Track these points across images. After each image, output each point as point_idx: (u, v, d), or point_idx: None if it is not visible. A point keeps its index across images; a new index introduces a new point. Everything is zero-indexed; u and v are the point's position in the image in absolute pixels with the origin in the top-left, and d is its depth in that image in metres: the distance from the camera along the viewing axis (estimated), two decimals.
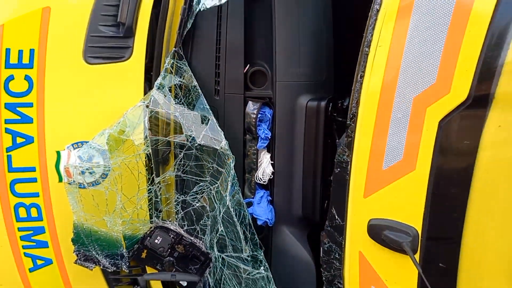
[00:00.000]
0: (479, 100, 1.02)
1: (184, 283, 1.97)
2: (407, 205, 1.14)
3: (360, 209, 1.24)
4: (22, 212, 1.89)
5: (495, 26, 0.99)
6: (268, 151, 1.90)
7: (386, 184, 1.17)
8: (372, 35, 1.18)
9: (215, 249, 1.88)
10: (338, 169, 1.30)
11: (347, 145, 1.27)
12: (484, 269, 1.11)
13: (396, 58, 1.13)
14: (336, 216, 1.32)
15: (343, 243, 1.32)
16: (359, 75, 1.22)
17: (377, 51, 1.16)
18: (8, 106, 1.79)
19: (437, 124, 1.07)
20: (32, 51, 1.77)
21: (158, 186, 1.88)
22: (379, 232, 1.18)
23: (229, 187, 1.82)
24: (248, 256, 1.82)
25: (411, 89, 1.11)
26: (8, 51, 1.79)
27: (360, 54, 1.24)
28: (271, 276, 1.80)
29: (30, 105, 1.80)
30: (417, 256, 1.14)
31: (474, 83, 1.01)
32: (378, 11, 1.17)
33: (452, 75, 1.03)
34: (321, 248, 1.45)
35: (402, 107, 1.12)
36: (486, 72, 1.00)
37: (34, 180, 1.85)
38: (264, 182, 1.91)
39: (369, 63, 1.19)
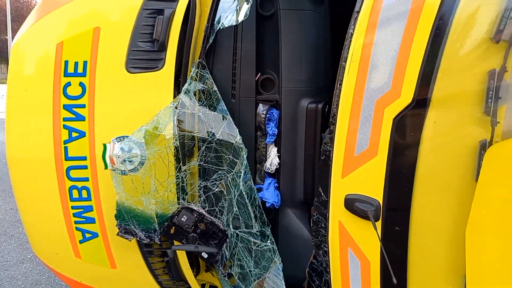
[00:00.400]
0: (420, 102, 1.33)
1: (205, 255, 2.32)
2: (372, 182, 1.46)
3: (339, 187, 1.57)
4: (75, 193, 2.21)
5: (431, 45, 1.31)
6: (275, 145, 2.21)
7: (357, 167, 1.50)
8: (347, 53, 1.52)
9: (231, 226, 2.21)
10: (323, 157, 1.64)
11: (329, 138, 1.61)
12: (429, 230, 1.42)
13: (364, 70, 1.45)
14: (322, 194, 1.65)
15: (327, 214, 1.65)
16: (338, 83, 1.56)
17: (351, 65, 1.49)
18: (66, 107, 2.14)
19: (392, 120, 1.39)
20: (85, 63, 2.11)
21: (184, 173, 2.20)
22: (352, 204, 1.51)
23: (242, 175, 2.15)
24: (257, 232, 2.14)
25: (374, 94, 1.43)
26: (66, 62, 2.15)
27: (339, 68, 1.57)
28: (276, 248, 2.13)
29: (83, 106, 2.13)
30: (380, 222, 1.47)
31: (416, 90, 1.32)
32: (352, 34, 1.51)
33: (402, 83, 1.35)
34: (311, 219, 1.78)
35: (367, 108, 1.45)
36: (425, 81, 1.32)
37: (85, 167, 2.17)
38: (271, 171, 2.23)
39: (345, 74, 1.51)
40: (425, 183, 1.39)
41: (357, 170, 1.49)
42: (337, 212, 1.58)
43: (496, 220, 1.27)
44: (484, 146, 1.28)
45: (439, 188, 1.39)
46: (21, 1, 43.54)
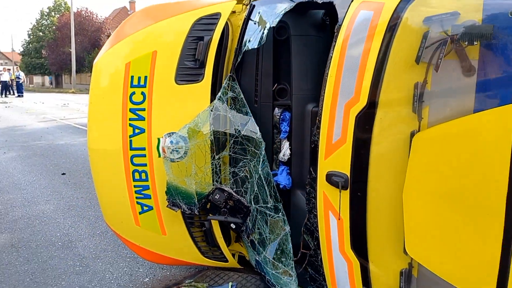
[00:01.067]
0: (371, 105, 1.89)
1: (233, 226, 2.93)
2: (343, 162, 2.01)
3: (322, 166, 2.14)
4: (136, 175, 2.84)
5: (378, 65, 1.86)
6: (288, 140, 2.79)
7: (334, 151, 2.06)
8: (328, 70, 2.12)
9: (252, 203, 2.81)
10: (313, 145, 2.23)
11: (317, 131, 2.19)
12: (379, 195, 1.95)
13: (338, 83, 2.02)
14: (312, 172, 2.23)
15: (315, 187, 2.23)
16: (323, 92, 2.15)
17: (329, 79, 2.06)
18: (131, 110, 2.77)
19: (355, 118, 1.95)
20: (146, 77, 2.74)
21: (217, 161, 2.80)
22: (330, 178, 2.08)
23: (261, 162, 2.77)
24: (272, 206, 2.74)
25: (343, 100, 1.99)
26: (132, 77, 2.80)
27: (323, 81, 2.17)
28: (286, 219, 2.71)
29: (143, 109, 2.76)
30: (348, 191, 2.04)
31: (369, 96, 1.89)
32: (331, 57, 2.11)
33: (360, 91, 1.91)
34: (306, 191, 2.37)
35: (340, 109, 2.01)
36: (374, 90, 1.88)
37: (144, 155, 2.78)
38: (284, 160, 2.82)
39: (326, 86, 2.09)
40: (376, 162, 1.93)
41: (334, 153, 2.07)
42: (321, 184, 2.16)
43: (422, 185, 1.81)
44: (413, 134, 1.82)
45: (385, 164, 1.93)
46: (84, 17, 46.12)
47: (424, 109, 1.80)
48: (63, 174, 6.32)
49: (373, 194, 1.97)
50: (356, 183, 1.99)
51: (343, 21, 2.08)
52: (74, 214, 4.54)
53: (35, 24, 55.92)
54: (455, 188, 1.76)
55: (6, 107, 19.05)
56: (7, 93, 27.48)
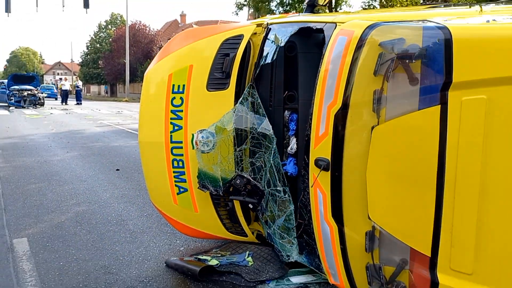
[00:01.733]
0: (344, 106, 2.50)
1: (251, 206, 3.59)
2: (326, 150, 2.60)
3: (312, 153, 2.74)
4: (175, 163, 3.54)
5: (348, 76, 2.50)
6: (295, 136, 3.49)
7: (320, 142, 2.69)
8: (317, 80, 2.77)
9: (266, 187, 3.49)
10: (306, 138, 2.88)
11: (309, 127, 2.85)
12: (351, 173, 2.57)
13: (323, 90, 2.67)
14: (306, 159, 2.88)
15: (308, 171, 2.87)
16: (313, 98, 2.80)
17: (317, 87, 2.71)
18: (172, 111, 3.50)
19: (334, 115, 2.58)
20: (184, 85, 3.46)
21: (239, 153, 3.50)
22: (317, 162, 2.70)
23: (273, 154, 3.44)
24: (280, 189, 3.39)
25: (326, 102, 2.62)
26: (173, 85, 3.55)
27: (314, 89, 2.82)
28: (291, 199, 3.35)
29: (181, 111, 3.49)
30: (329, 172, 2.67)
31: (343, 99, 2.52)
32: (319, 71, 2.76)
33: (337, 96, 2.55)
34: (301, 173, 3.01)
35: (324, 110, 2.64)
36: (347, 95, 2.51)
37: (181, 147, 3.48)
38: (292, 152, 3.45)
39: (316, 92, 2.76)
40: (349, 149, 2.52)
41: (320, 144, 2.69)
42: (312, 168, 2.78)
43: (380, 166, 2.41)
44: (373, 128, 2.42)
45: (354, 151, 2.52)
46: (137, 29, 48.38)
47: (382, 109, 2.42)
48: (117, 170, 7.27)
49: (346, 173, 2.59)
50: (335, 166, 2.62)
51: (328, 43, 2.74)
52: (126, 200, 5.39)
53: (93, 36, 59.34)
54: (402, 168, 2.37)
55: (66, 113, 20.83)
56: (67, 101, 29.65)
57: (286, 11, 17.97)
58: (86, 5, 27.30)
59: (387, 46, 2.38)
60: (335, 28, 2.75)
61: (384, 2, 17.15)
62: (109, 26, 58.24)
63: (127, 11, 51.75)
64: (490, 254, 2.19)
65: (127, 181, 6.41)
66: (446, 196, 2.23)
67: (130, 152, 8.99)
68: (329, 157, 2.64)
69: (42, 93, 27.13)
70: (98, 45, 57.52)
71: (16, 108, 23.53)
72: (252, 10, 21.62)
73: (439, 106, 2.21)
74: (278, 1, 18.83)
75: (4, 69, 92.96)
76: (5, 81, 28.41)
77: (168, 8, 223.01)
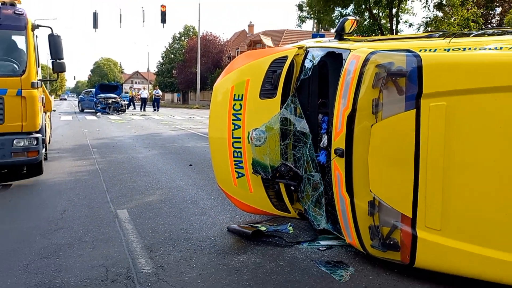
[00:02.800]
0: (354, 110, 3.48)
1: (292, 188, 4.63)
2: (341, 141, 3.55)
3: (333, 145, 3.71)
4: (235, 154, 4.66)
5: (355, 91, 3.47)
6: (326, 134, 4.50)
7: (338, 136, 3.69)
8: (337, 91, 3.78)
9: (303, 173, 4.51)
10: (329, 134, 3.88)
11: (331, 125, 3.85)
12: (359, 158, 3.53)
13: (340, 98, 3.68)
14: (329, 149, 3.88)
15: (330, 157, 3.87)
16: (334, 104, 3.81)
17: (337, 96, 3.74)
18: (233, 114, 4.60)
19: (346, 117, 3.57)
20: (242, 95, 4.60)
21: (283, 146, 4.60)
22: (336, 151, 3.70)
23: (309, 148, 4.47)
24: (314, 174, 4.41)
25: (342, 107, 3.64)
26: (235, 94, 4.72)
27: (335, 98, 3.83)
28: (322, 181, 4.34)
29: (240, 114, 4.60)
30: (344, 158, 3.65)
31: (352, 105, 3.50)
32: (338, 84, 3.77)
33: (349, 103, 3.54)
34: (327, 162, 4.01)
35: (340, 113, 3.65)
36: (355, 101, 3.49)
37: (240, 142, 4.56)
38: (324, 146, 4.47)
39: (336, 100, 3.77)
40: (357, 140, 3.51)
41: (338, 137, 3.69)
42: (333, 155, 3.79)
43: (378, 153, 3.37)
44: (372, 125, 3.38)
45: (360, 142, 3.49)
46: (208, 40, 50.75)
47: (379, 112, 3.38)
48: (190, 165, 8.62)
49: (355, 159, 3.57)
50: (347, 153, 3.62)
51: (344, 64, 3.76)
52: (197, 187, 6.65)
53: (168, 47, 63.06)
54: (392, 154, 3.32)
55: (145, 119, 23.09)
56: (145, 107, 32.34)
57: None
58: (163, 20, 29.90)
59: (382, 67, 3.36)
60: (349, 53, 3.75)
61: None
62: (182, 38, 61.68)
63: (199, 23, 54.14)
64: (452, 215, 3.09)
65: (198, 174, 7.70)
66: (421, 173, 3.16)
67: (200, 152, 10.38)
68: (343, 147, 3.64)
69: (124, 100, 29.94)
70: (172, 55, 61.12)
71: (102, 114, 26.31)
72: (316, 21, 22.68)
73: (415, 109, 3.15)
74: (338, 14, 19.72)
75: (88, 78, 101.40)
76: (93, 90, 31.67)
77: (237, 17, 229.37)
